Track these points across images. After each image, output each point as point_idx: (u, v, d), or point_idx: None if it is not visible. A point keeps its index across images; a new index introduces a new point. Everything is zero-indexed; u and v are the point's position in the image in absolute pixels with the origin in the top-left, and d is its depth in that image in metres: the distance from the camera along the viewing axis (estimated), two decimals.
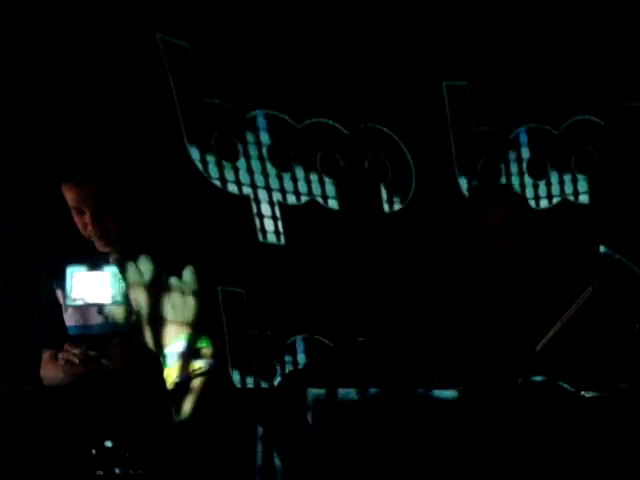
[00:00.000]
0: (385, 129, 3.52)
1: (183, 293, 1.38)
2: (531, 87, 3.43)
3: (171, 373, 1.34)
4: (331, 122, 3.50)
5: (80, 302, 1.44)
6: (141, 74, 3.32)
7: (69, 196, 2.53)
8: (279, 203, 3.55)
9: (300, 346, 3.61)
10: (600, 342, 2.02)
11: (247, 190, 3.52)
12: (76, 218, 2.53)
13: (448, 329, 2.52)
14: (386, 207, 3.58)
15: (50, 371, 2.61)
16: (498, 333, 2.46)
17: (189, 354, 1.33)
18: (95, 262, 1.50)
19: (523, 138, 3.49)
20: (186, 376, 1.32)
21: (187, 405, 1.31)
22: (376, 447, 2.08)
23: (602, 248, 2.07)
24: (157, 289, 1.36)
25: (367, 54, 3.42)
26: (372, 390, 2.05)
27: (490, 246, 2.67)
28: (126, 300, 1.37)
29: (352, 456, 2.08)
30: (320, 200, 3.56)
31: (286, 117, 3.49)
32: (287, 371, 3.55)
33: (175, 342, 1.34)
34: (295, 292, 3.53)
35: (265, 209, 3.55)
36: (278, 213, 3.55)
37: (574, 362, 2.05)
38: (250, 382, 3.57)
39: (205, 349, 1.34)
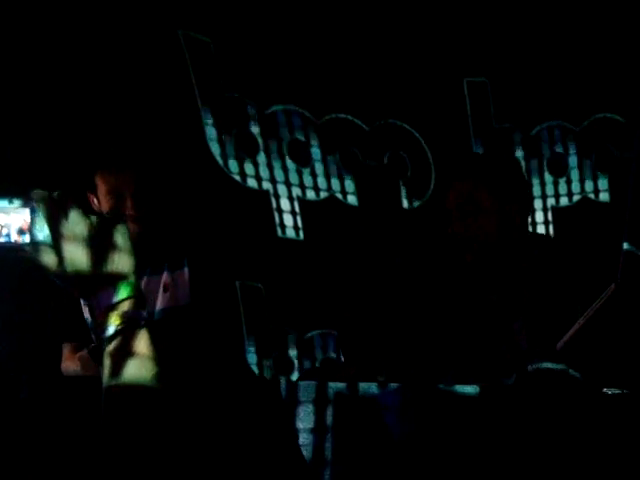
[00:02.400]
0: (405, 125, 3.52)
1: (113, 240, 1.23)
2: (552, 84, 3.42)
3: (97, 327, 1.22)
4: (351, 118, 3.50)
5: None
6: (163, 69, 3.33)
7: (108, 182, 2.56)
8: (298, 198, 3.55)
9: (318, 341, 3.62)
10: (622, 339, 2.02)
11: (267, 185, 3.53)
12: (111, 203, 2.56)
13: (456, 325, 2.47)
14: (405, 203, 3.58)
15: (70, 367, 2.62)
16: (498, 328, 2.42)
17: (118, 305, 1.20)
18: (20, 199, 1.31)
19: (544, 135, 3.48)
20: (112, 330, 1.20)
21: (116, 362, 1.18)
22: (397, 442, 2.08)
23: (625, 245, 2.07)
24: (84, 234, 1.21)
25: (388, 50, 3.42)
26: (393, 385, 2.06)
27: (460, 230, 2.44)
28: (52, 244, 1.21)
29: (373, 451, 2.09)
30: (339, 196, 3.56)
31: (306, 112, 3.49)
32: (305, 366, 3.57)
33: (103, 292, 1.21)
34: (313, 287, 3.54)
35: (284, 204, 3.55)
36: (297, 208, 3.56)
37: (596, 360, 2.05)
38: (268, 377, 3.58)
39: (132, 300, 1.21)
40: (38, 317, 3.07)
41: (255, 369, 3.57)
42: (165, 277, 2.60)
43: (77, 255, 1.21)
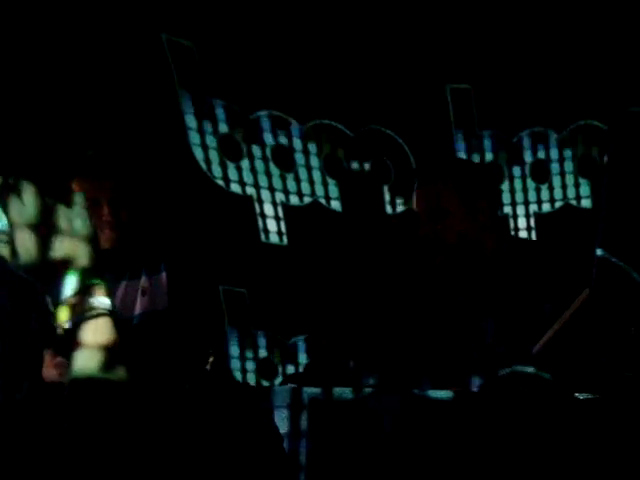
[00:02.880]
0: (389, 131, 3.53)
1: (71, 229, 1.20)
2: (535, 91, 3.43)
3: (59, 315, 1.18)
4: (335, 123, 3.51)
5: None
6: (146, 74, 3.34)
7: (84, 188, 2.56)
8: (282, 204, 3.56)
9: (302, 347, 3.62)
10: (596, 345, 2.02)
11: (250, 190, 3.53)
12: (91, 210, 2.56)
13: (424, 327, 2.48)
14: (389, 209, 3.59)
15: (50, 373, 2.62)
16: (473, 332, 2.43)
17: (80, 294, 1.18)
18: None
19: (526, 142, 3.49)
20: (77, 319, 1.17)
21: (80, 354, 1.14)
22: (371, 447, 2.09)
23: (599, 251, 2.08)
24: (43, 224, 1.19)
25: (371, 56, 3.43)
26: (367, 390, 2.06)
27: (428, 232, 2.44)
28: (10, 232, 1.18)
29: (347, 455, 2.09)
30: (323, 201, 3.57)
31: (290, 118, 3.50)
32: (288, 372, 3.57)
33: (62, 280, 1.18)
34: (297, 293, 3.54)
35: (268, 209, 3.56)
36: (281, 213, 3.56)
37: (570, 364, 2.05)
38: (251, 382, 3.59)
39: (95, 287, 1.19)
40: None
41: (239, 374, 3.57)
42: (143, 281, 2.60)
43: (35, 243, 1.17)
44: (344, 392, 2.06)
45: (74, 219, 1.21)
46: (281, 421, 2.11)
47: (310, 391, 2.08)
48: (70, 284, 1.18)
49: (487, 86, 3.46)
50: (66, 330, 1.17)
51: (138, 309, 2.59)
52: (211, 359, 2.57)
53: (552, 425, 1.97)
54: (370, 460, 2.09)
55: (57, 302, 1.17)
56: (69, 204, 1.21)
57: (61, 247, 1.19)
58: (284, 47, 3.41)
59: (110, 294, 2.54)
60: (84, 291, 1.19)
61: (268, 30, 3.38)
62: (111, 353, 1.15)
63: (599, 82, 3.37)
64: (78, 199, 1.23)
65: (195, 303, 2.71)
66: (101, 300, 1.20)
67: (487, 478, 2.00)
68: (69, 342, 1.13)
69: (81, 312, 1.18)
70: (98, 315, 1.19)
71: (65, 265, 1.19)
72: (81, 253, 1.20)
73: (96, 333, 1.16)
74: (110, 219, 2.55)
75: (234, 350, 3.55)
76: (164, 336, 2.58)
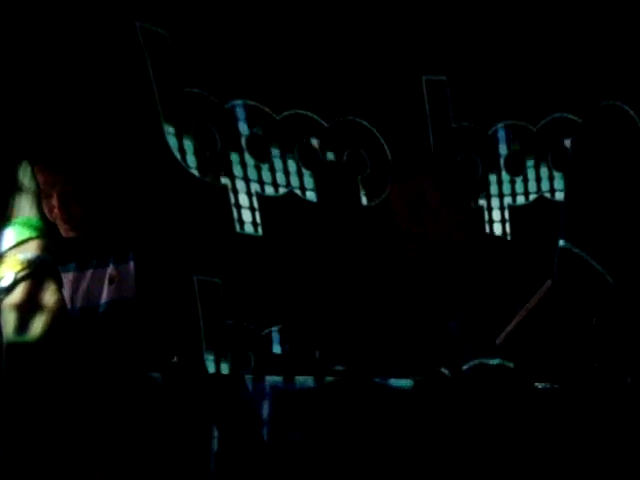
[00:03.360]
0: (364, 122, 3.52)
1: (10, 180, 1.06)
2: (510, 83, 3.43)
3: None
4: (310, 114, 3.50)
5: None
6: (119, 62, 3.32)
7: (39, 179, 2.55)
8: (257, 194, 3.55)
9: (276, 337, 3.62)
10: (557, 335, 2.03)
11: (225, 180, 3.52)
12: (44, 201, 2.55)
13: (390, 321, 2.49)
14: (364, 200, 3.59)
15: None
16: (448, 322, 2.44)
17: (15, 246, 1.03)
18: None
19: (501, 134, 3.49)
20: (12, 277, 1.03)
21: (19, 316, 1.00)
22: (334, 437, 2.08)
23: (561, 242, 2.08)
24: None
25: (346, 47, 3.42)
26: (329, 379, 2.06)
27: (409, 227, 2.43)
28: None
29: (309, 445, 2.09)
30: (298, 192, 3.56)
31: (265, 108, 3.49)
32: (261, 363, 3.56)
33: None
34: (272, 283, 3.54)
35: (243, 200, 3.55)
36: (256, 204, 3.56)
37: (532, 354, 2.06)
38: (225, 372, 3.58)
39: (35, 241, 1.06)
40: None
41: (212, 365, 3.57)
42: (111, 269, 2.59)
43: None
44: (306, 381, 2.06)
45: (15, 172, 1.11)
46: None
47: (272, 380, 2.07)
48: (10, 237, 1.07)
49: (463, 78, 3.45)
50: (3, 288, 1.05)
51: (105, 297, 2.58)
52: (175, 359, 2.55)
53: (513, 415, 1.97)
54: (333, 449, 2.09)
55: None
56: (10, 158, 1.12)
57: None
58: (259, 36, 3.40)
59: (76, 281, 2.55)
60: (25, 245, 1.07)
61: (243, 19, 3.37)
62: (48, 313, 1.07)
63: (574, 75, 3.37)
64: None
65: (164, 293, 2.70)
66: (39, 255, 1.07)
67: (448, 467, 2.00)
68: (10, 302, 1.04)
69: (22, 269, 1.06)
70: (35, 272, 1.06)
71: (1, 218, 1.07)
72: (23, 206, 1.09)
73: (33, 291, 1.06)
74: (60, 212, 2.51)
75: (207, 340, 3.55)
76: (131, 325, 2.57)
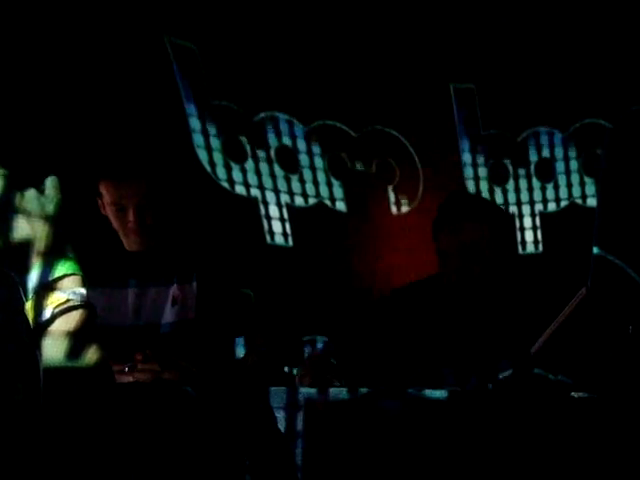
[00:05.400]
0: (393, 131, 3.52)
1: (48, 214, 1.09)
2: (539, 90, 3.41)
3: (31, 308, 1.08)
4: (339, 124, 3.51)
5: None
6: (149, 76, 3.35)
7: (110, 193, 2.53)
8: (287, 205, 3.56)
9: (307, 347, 3.62)
10: (593, 344, 2.01)
11: (255, 192, 3.53)
12: (115, 214, 2.54)
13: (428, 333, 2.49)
14: (394, 209, 3.58)
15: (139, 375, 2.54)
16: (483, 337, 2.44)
17: (50, 285, 1.07)
18: None
19: (531, 140, 3.48)
20: (49, 313, 1.06)
21: (53, 349, 1.05)
22: (368, 447, 2.08)
23: (596, 250, 2.06)
24: (16, 207, 1.09)
25: (375, 56, 3.42)
26: (363, 390, 2.05)
27: (461, 266, 2.51)
28: None
29: (343, 456, 2.08)
30: (328, 202, 3.56)
31: (294, 119, 3.50)
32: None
33: (36, 268, 1.07)
34: (302, 294, 3.54)
35: (273, 211, 3.55)
36: (286, 215, 3.56)
37: (568, 363, 2.04)
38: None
39: (71, 278, 1.08)
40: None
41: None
42: (174, 290, 2.54)
43: (8, 228, 1.08)
44: (340, 393, 2.06)
45: (47, 204, 1.11)
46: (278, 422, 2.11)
47: (306, 392, 2.07)
48: (47, 272, 1.09)
49: (491, 85, 3.44)
50: (39, 324, 1.07)
51: (168, 318, 2.53)
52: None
53: (550, 424, 1.95)
54: (367, 460, 2.08)
55: (28, 293, 1.08)
56: (41, 189, 1.13)
57: (37, 234, 1.09)
58: (287, 48, 3.41)
59: (137, 298, 2.51)
60: (63, 280, 1.09)
61: (271, 31, 3.39)
62: (86, 347, 1.08)
63: (604, 80, 3.34)
64: (51, 183, 1.15)
65: (225, 313, 2.66)
66: (77, 291, 1.09)
67: (485, 478, 1.99)
68: (42, 336, 1.07)
69: (59, 304, 1.07)
70: (73, 308, 1.08)
71: (42, 252, 1.09)
72: (61, 241, 1.10)
73: (71, 327, 1.07)
74: (135, 226, 2.49)
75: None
76: (192, 346, 2.53)
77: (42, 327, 1.07)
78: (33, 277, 1.08)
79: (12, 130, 3.08)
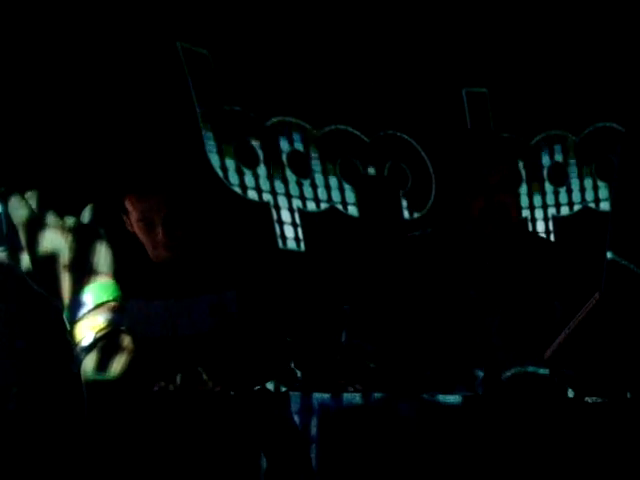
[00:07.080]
0: (405, 136, 3.52)
1: (90, 241, 1.12)
2: (552, 93, 3.41)
3: (74, 333, 1.11)
4: (351, 129, 3.51)
5: None
6: (162, 82, 3.36)
7: (136, 208, 2.51)
8: (299, 210, 3.56)
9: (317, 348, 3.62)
10: (607, 349, 2.00)
11: (267, 197, 3.54)
12: (143, 230, 2.52)
13: (431, 319, 2.49)
14: (406, 214, 3.58)
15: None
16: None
17: (94, 309, 1.10)
18: None
19: (544, 145, 3.47)
20: (92, 336, 1.09)
21: (95, 372, 1.08)
22: (381, 452, 2.08)
23: (609, 254, 2.06)
24: (58, 234, 1.12)
25: (387, 61, 3.42)
26: (377, 395, 2.05)
27: (503, 200, 2.52)
28: (14, 242, 1.12)
29: (357, 461, 2.08)
30: (340, 207, 3.57)
31: (306, 124, 3.50)
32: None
33: (78, 294, 1.11)
34: (315, 299, 3.54)
35: (285, 216, 3.56)
36: (298, 220, 3.57)
37: (581, 368, 2.03)
38: (270, 387, 3.58)
39: (112, 304, 1.11)
40: (28, 328, 3.08)
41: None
42: (212, 299, 2.55)
43: (51, 256, 1.12)
44: (354, 398, 2.06)
45: (94, 233, 1.15)
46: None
47: (320, 397, 2.07)
48: (89, 299, 1.12)
49: (503, 89, 3.44)
50: (85, 347, 1.11)
51: (208, 328, 2.53)
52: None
53: (561, 428, 1.95)
54: (381, 466, 2.08)
55: (73, 319, 1.12)
56: (82, 217, 1.17)
57: (79, 261, 1.13)
58: (299, 54, 3.42)
59: (175, 308, 2.52)
60: (104, 306, 1.12)
61: (283, 37, 3.39)
62: (130, 373, 1.12)
63: (617, 84, 3.34)
64: (90, 211, 1.18)
65: (263, 321, 2.67)
66: (117, 317, 1.12)
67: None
68: (89, 360, 1.10)
69: (101, 330, 1.11)
70: (114, 332, 1.12)
71: (84, 279, 1.13)
72: (102, 268, 1.14)
73: (117, 353, 1.11)
74: (165, 236, 2.47)
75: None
76: (234, 353, 2.54)
77: (84, 351, 1.10)
78: (77, 303, 1.11)
79: (33, 153, 3.10)
